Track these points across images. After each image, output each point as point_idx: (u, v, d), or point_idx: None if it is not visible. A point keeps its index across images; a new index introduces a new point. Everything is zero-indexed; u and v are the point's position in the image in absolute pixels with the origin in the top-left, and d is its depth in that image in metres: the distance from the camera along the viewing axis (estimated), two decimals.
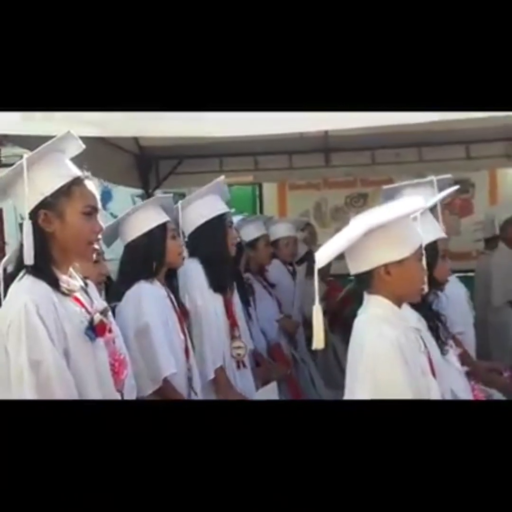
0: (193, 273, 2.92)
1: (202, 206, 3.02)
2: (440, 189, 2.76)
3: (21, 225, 1.86)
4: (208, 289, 2.97)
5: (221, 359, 2.95)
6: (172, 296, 2.72)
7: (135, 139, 5.05)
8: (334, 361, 4.66)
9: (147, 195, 5.31)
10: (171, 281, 2.78)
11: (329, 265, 5.54)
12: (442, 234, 2.40)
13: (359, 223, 1.80)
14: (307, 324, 4.58)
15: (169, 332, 2.63)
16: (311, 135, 4.61)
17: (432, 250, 2.25)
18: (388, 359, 1.75)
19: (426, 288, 1.97)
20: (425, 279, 1.93)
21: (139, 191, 5.68)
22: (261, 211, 6.34)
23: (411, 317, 1.98)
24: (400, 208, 1.88)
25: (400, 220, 1.83)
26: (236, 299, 3.23)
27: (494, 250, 4.89)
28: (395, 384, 1.74)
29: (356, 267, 1.89)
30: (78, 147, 1.98)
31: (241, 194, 6.24)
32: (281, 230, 4.60)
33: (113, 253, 2.83)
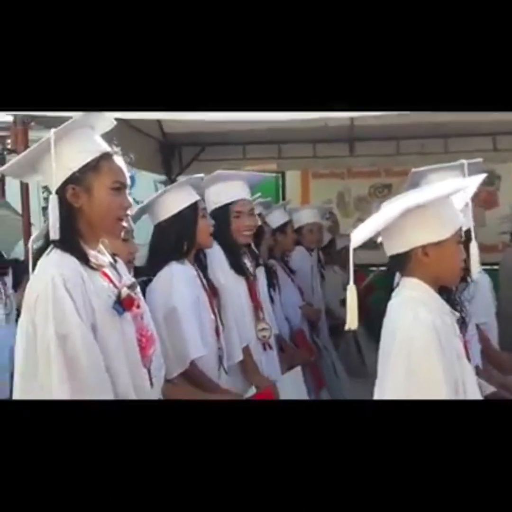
0: (215, 253, 2.91)
1: (224, 190, 3.01)
2: (470, 174, 2.71)
3: (47, 200, 1.86)
4: (230, 270, 2.96)
5: (247, 339, 2.93)
6: (202, 276, 2.71)
7: (159, 125, 5.04)
8: (355, 350, 4.64)
9: (170, 181, 5.30)
10: (200, 260, 2.76)
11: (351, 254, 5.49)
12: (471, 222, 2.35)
13: (399, 202, 1.76)
14: (329, 311, 4.60)
15: (199, 312, 2.62)
16: (336, 124, 4.57)
17: (467, 235, 2.21)
18: (424, 342, 1.71)
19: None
20: (463, 263, 1.88)
21: (162, 177, 5.68)
22: (283, 199, 6.32)
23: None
24: (441, 188, 1.84)
25: (440, 200, 1.79)
26: (260, 282, 3.22)
27: None
28: (430, 368, 1.70)
29: (392, 247, 1.85)
30: (108, 123, 1.97)
31: (264, 182, 6.20)
32: (306, 216, 4.58)
33: (141, 238, 2.82)
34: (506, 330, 3.55)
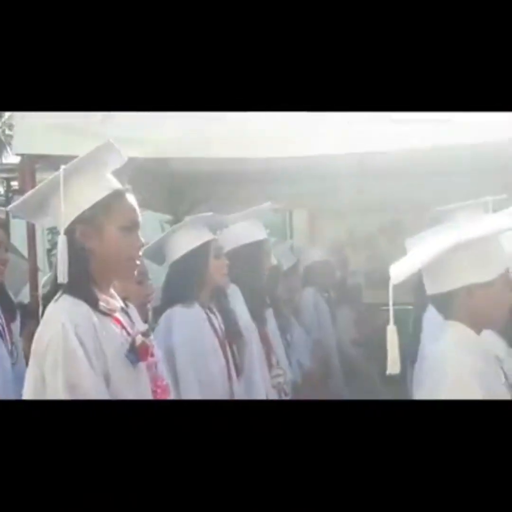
0: (236, 294, 2.81)
1: (240, 230, 2.96)
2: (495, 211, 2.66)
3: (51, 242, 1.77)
4: (247, 312, 2.86)
5: (267, 386, 2.83)
6: (215, 319, 2.59)
7: (166, 163, 4.98)
8: (370, 390, 4.50)
9: (176, 221, 5.22)
10: (219, 301, 2.66)
11: (360, 292, 5.41)
12: None
13: (446, 238, 1.66)
14: (342, 352, 4.48)
15: (204, 358, 2.50)
16: (343, 161, 4.51)
17: None
18: (471, 392, 1.60)
19: None
20: (510, 306, 1.77)
21: (168, 217, 5.60)
22: (291, 238, 6.23)
23: (493, 345, 1.82)
24: (492, 224, 1.74)
25: (489, 238, 1.69)
26: (271, 326, 3.12)
27: None
28: None
29: (435, 287, 1.74)
30: (119, 160, 1.89)
31: (272, 220, 6.13)
32: (315, 255, 4.50)
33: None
34: None
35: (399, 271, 1.62)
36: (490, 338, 1.81)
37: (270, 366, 2.96)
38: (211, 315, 2.59)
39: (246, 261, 2.89)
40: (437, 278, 1.73)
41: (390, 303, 1.58)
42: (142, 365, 1.75)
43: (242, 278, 2.85)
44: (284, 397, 2.94)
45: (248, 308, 2.87)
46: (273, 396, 2.89)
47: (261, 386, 2.73)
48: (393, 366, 1.58)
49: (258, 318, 2.94)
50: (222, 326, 2.61)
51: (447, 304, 1.74)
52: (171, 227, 2.85)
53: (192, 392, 2.42)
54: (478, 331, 1.74)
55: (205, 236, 2.62)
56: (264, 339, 2.98)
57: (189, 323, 2.50)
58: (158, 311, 2.50)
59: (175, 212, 5.38)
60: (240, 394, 2.57)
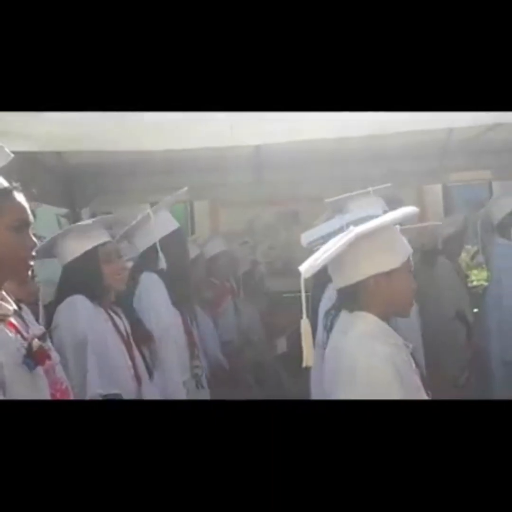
0: (149, 292, 2.74)
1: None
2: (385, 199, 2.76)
3: None
4: (171, 304, 2.83)
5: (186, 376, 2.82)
6: (119, 321, 2.51)
7: (60, 156, 4.81)
8: (277, 383, 4.55)
9: (73, 214, 5.08)
10: (121, 305, 2.57)
11: (263, 282, 5.39)
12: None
13: (348, 232, 1.68)
14: (249, 343, 4.50)
15: (107, 357, 2.42)
16: (243, 151, 4.50)
17: None
18: (385, 379, 1.63)
19: None
20: (414, 292, 1.82)
21: (64, 210, 5.41)
22: (193, 229, 6.18)
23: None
24: (389, 215, 1.78)
25: (388, 227, 1.73)
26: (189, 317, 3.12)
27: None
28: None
29: (341, 280, 1.77)
30: (5, 156, 1.78)
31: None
32: (217, 245, 4.45)
33: (45, 274, 2.61)
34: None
35: (310, 267, 1.63)
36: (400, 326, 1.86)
37: (192, 356, 2.93)
38: (115, 317, 2.51)
39: (169, 253, 2.83)
40: (342, 272, 1.76)
41: (303, 296, 1.58)
42: (40, 369, 1.67)
43: (167, 270, 2.78)
44: (200, 389, 2.91)
45: (173, 300, 2.82)
46: (192, 386, 2.87)
47: (178, 383, 2.70)
48: (308, 358, 1.59)
49: (182, 307, 2.92)
50: (128, 328, 2.53)
51: (353, 296, 1.76)
52: (62, 224, 2.71)
53: (94, 389, 2.35)
54: (387, 320, 1.78)
55: (92, 241, 2.50)
56: (187, 329, 2.94)
57: (93, 314, 2.42)
58: (53, 310, 2.39)
59: (71, 205, 5.21)
60: (152, 394, 2.50)
